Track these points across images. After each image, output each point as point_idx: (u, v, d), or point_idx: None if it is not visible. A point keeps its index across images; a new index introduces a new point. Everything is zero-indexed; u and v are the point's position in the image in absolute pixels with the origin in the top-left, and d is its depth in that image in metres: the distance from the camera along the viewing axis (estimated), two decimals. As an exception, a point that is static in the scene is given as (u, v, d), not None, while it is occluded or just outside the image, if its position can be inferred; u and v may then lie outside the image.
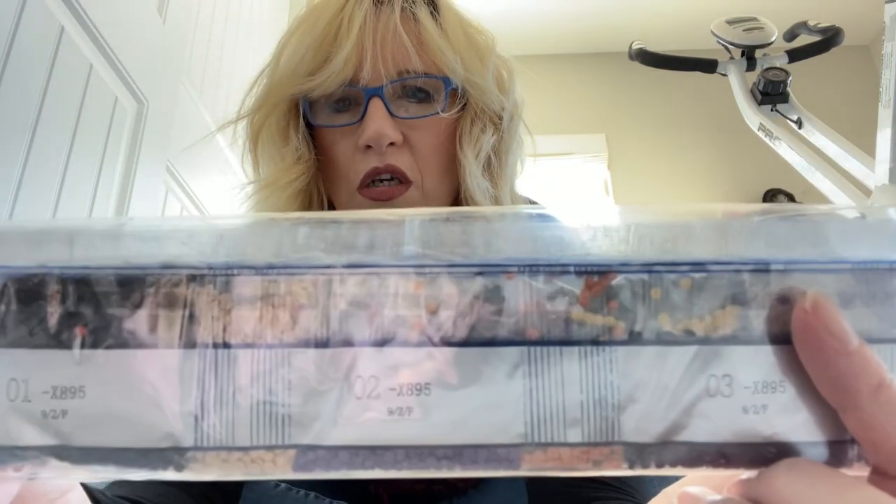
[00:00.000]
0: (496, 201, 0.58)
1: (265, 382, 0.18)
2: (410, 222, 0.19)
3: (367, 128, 0.53)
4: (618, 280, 0.18)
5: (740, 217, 0.19)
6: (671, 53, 1.51)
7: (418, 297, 0.18)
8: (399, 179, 0.55)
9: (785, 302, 0.18)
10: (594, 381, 0.18)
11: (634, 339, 0.18)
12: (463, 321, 0.18)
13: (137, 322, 0.18)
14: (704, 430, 0.18)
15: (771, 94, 1.31)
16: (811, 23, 1.41)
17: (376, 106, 0.53)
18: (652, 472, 0.18)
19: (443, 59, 0.55)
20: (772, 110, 1.32)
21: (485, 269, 0.18)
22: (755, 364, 0.18)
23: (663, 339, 0.18)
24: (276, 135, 0.58)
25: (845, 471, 0.18)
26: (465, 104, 0.58)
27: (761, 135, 1.29)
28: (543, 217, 0.19)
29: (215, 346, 0.18)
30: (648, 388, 0.18)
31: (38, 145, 0.85)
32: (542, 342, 0.18)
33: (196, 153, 1.38)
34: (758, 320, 0.18)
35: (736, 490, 0.19)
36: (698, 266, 0.18)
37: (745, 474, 0.19)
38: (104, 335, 0.18)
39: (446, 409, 0.18)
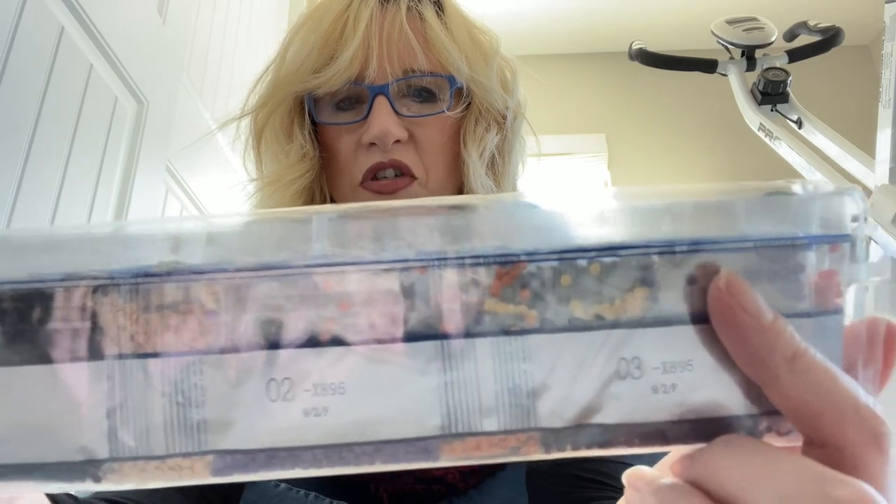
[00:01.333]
0: None
1: (177, 390, 0.18)
2: (319, 219, 0.18)
3: (373, 126, 0.53)
4: (528, 269, 0.18)
5: (647, 199, 0.19)
6: (671, 53, 1.51)
7: (329, 296, 0.18)
8: (403, 173, 0.55)
9: (692, 282, 0.19)
10: (508, 370, 0.18)
11: (546, 326, 0.18)
12: (375, 318, 0.18)
13: (43, 337, 0.18)
14: (616, 411, 0.18)
15: (771, 94, 1.31)
16: (811, 23, 1.41)
17: (381, 104, 0.53)
18: (569, 454, 0.19)
19: (448, 58, 0.55)
20: (772, 110, 1.32)
21: (395, 265, 0.18)
22: (663, 345, 0.18)
23: (575, 325, 0.18)
24: (280, 132, 0.58)
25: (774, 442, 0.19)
26: (469, 103, 0.58)
27: (761, 135, 1.29)
28: (456, 208, 0.19)
29: (123, 356, 0.18)
30: (561, 374, 0.18)
31: (38, 145, 0.85)
32: (456, 335, 0.18)
33: (196, 153, 1.38)
34: (666, 302, 0.19)
35: (677, 469, 0.19)
36: (606, 250, 0.19)
37: (684, 452, 0.19)
38: (10, 352, 0.18)
39: (362, 407, 0.18)
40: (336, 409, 0.18)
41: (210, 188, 1.47)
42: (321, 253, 0.18)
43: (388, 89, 0.54)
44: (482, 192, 0.56)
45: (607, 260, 0.18)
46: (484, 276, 0.18)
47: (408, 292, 0.18)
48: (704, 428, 0.19)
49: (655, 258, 0.19)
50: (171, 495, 0.48)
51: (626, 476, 0.20)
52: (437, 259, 0.18)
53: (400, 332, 0.18)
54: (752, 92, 1.35)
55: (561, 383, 0.18)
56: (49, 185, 0.89)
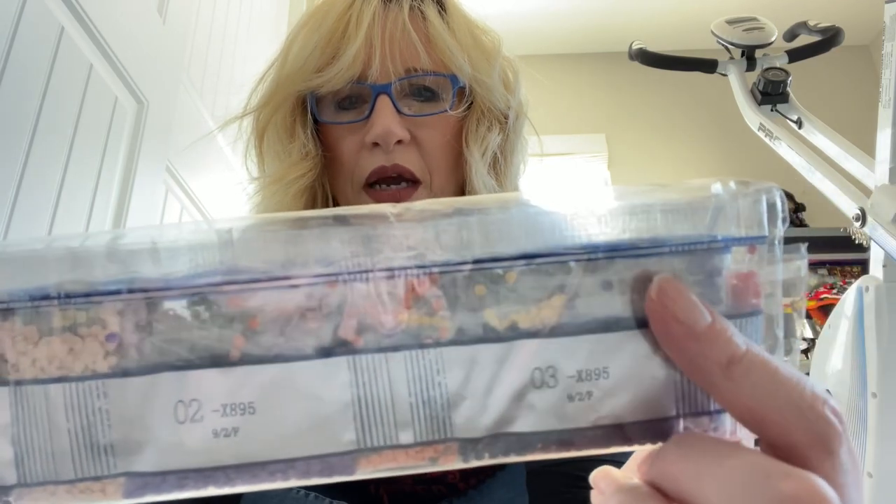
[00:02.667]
0: None
1: (82, 415, 0.17)
2: (223, 234, 0.18)
3: (375, 125, 0.53)
4: (442, 280, 0.18)
5: (567, 205, 0.19)
6: (671, 53, 1.51)
7: (234, 315, 0.18)
8: (408, 181, 0.55)
9: (609, 288, 0.18)
10: (422, 382, 0.18)
11: (460, 337, 0.18)
12: (285, 335, 0.18)
13: None
14: (531, 420, 0.18)
15: (771, 94, 1.31)
16: (811, 23, 1.41)
17: (384, 103, 0.53)
18: (486, 462, 0.19)
19: (451, 57, 0.55)
20: (772, 110, 1.32)
21: (303, 280, 0.18)
22: (579, 353, 0.18)
23: (489, 336, 0.18)
24: (282, 131, 0.58)
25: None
26: (471, 103, 0.58)
27: (761, 135, 1.29)
28: (367, 217, 0.18)
29: (21, 383, 0.17)
30: (476, 384, 0.18)
31: (38, 145, 0.85)
32: (368, 350, 0.18)
33: (196, 153, 1.38)
34: (583, 309, 0.18)
35: (640, 470, 0.19)
36: (522, 258, 0.18)
37: (646, 452, 0.19)
38: None
39: (273, 426, 0.18)
40: (246, 428, 0.18)
41: (210, 188, 1.47)
42: (228, 269, 0.17)
43: (390, 88, 0.54)
44: (484, 191, 0.56)
45: (524, 268, 0.18)
46: (396, 287, 0.18)
47: (317, 307, 0.18)
48: (623, 432, 0.19)
49: (573, 265, 0.18)
50: None
51: (593, 476, 0.20)
52: (348, 273, 0.18)
53: (311, 349, 0.18)
54: (752, 92, 1.35)
55: (476, 394, 0.18)
56: (49, 185, 0.89)
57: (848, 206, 1.04)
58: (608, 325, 0.18)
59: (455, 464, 0.18)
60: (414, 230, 0.18)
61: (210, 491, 0.18)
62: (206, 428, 0.18)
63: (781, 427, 0.17)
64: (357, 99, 0.56)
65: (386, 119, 0.53)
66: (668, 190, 0.19)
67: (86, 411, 0.17)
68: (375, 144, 0.54)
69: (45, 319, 0.17)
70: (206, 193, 1.45)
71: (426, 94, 0.56)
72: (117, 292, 0.17)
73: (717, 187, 0.19)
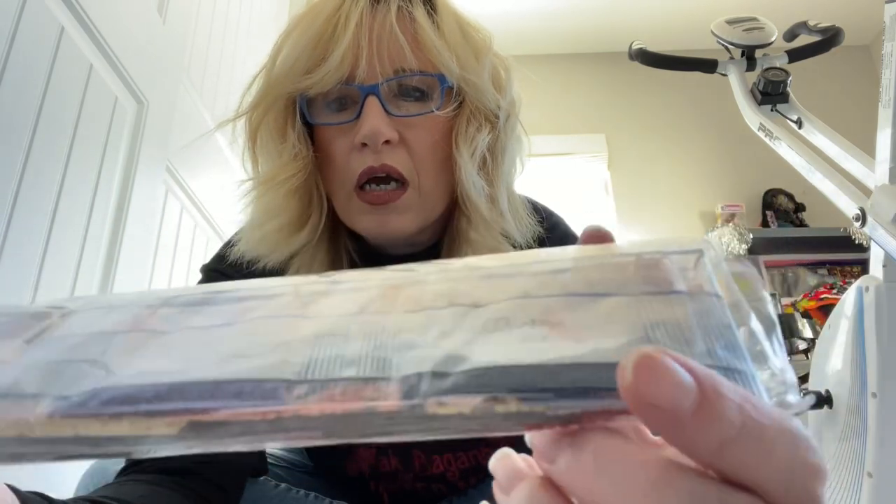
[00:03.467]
0: (492, 200, 0.58)
1: None
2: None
3: (363, 126, 0.53)
4: None
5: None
6: (671, 53, 1.51)
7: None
8: (396, 181, 0.55)
9: None
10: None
11: None
12: None
13: None
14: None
15: (771, 94, 1.31)
16: (811, 23, 1.41)
17: (372, 104, 0.54)
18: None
19: (438, 57, 0.55)
20: (772, 110, 1.32)
21: None
22: None
23: None
24: (274, 132, 0.58)
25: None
26: (461, 102, 0.58)
27: (761, 135, 1.29)
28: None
29: None
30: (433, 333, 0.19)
31: (38, 145, 0.85)
32: None
33: (196, 153, 1.38)
34: None
35: (538, 464, 0.19)
36: None
37: (540, 448, 0.18)
38: None
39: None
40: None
41: (210, 188, 1.47)
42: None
43: (378, 89, 0.54)
44: (474, 192, 0.56)
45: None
46: None
47: None
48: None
49: None
50: (165, 494, 0.48)
51: (492, 462, 0.20)
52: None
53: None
54: (752, 92, 1.35)
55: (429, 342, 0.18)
56: (49, 185, 0.89)
57: (848, 206, 1.04)
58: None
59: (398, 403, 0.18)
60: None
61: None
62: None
63: (774, 490, 0.15)
64: (346, 100, 0.56)
65: (374, 120, 0.53)
66: (617, 254, 0.20)
67: None
68: (364, 145, 0.54)
69: None
70: (206, 193, 1.46)
71: (415, 95, 0.56)
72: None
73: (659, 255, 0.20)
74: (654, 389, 0.15)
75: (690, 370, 0.15)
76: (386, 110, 0.54)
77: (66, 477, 0.77)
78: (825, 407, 1.13)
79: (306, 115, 0.57)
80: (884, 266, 1.03)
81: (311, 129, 0.59)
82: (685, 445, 0.15)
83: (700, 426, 0.15)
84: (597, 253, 0.21)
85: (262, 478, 0.62)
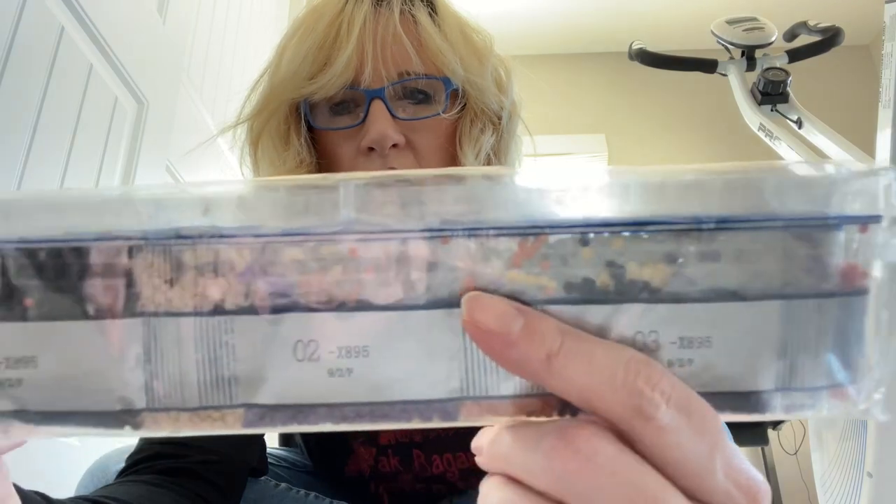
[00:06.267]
0: None
1: (209, 348, 0.19)
2: (345, 186, 0.19)
3: (370, 130, 0.53)
4: (550, 241, 0.19)
5: (675, 175, 0.19)
6: (671, 53, 1.51)
7: (356, 262, 0.19)
8: None
9: (716, 258, 0.19)
10: None
11: (566, 297, 0.19)
12: (399, 284, 0.19)
13: (80, 293, 0.19)
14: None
15: (771, 94, 1.31)
16: (811, 23, 1.41)
17: (378, 108, 0.53)
18: None
19: (443, 59, 0.55)
20: (772, 110, 1.32)
21: (419, 234, 0.19)
22: (683, 320, 0.19)
23: (595, 297, 0.19)
24: (276, 139, 0.58)
25: None
26: (464, 105, 0.58)
27: (761, 135, 1.29)
28: (486, 178, 0.19)
29: (157, 314, 0.19)
30: None
31: (38, 145, 0.85)
32: None
33: (196, 153, 1.38)
34: (690, 277, 0.18)
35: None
36: (632, 225, 0.19)
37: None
38: (49, 307, 0.19)
39: (385, 369, 0.19)
40: (359, 370, 0.19)
41: (210, 188, 1.47)
42: (347, 219, 0.19)
43: (383, 93, 0.54)
44: None
45: (632, 234, 0.18)
46: (506, 246, 0.19)
47: (431, 260, 0.19)
48: (718, 401, 0.19)
49: (683, 234, 0.18)
50: (164, 495, 0.48)
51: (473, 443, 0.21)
52: (461, 229, 0.19)
53: (423, 299, 0.19)
54: (752, 92, 1.35)
55: None
56: (49, 184, 0.89)
57: (848, 206, 1.04)
58: (714, 296, 0.19)
59: (553, 417, 0.19)
60: (523, 192, 0.19)
61: (319, 427, 0.19)
62: (322, 367, 0.19)
63: (605, 405, 0.17)
64: (350, 104, 0.56)
65: (381, 124, 0.53)
66: (779, 168, 0.19)
67: (214, 345, 0.19)
68: (371, 149, 0.54)
69: (179, 257, 0.19)
70: (206, 193, 1.45)
71: (419, 97, 0.56)
72: (248, 236, 0.19)
73: (830, 167, 0.19)
74: (485, 319, 0.18)
75: (513, 304, 0.18)
76: (392, 114, 0.54)
77: (66, 477, 0.77)
78: (825, 407, 1.13)
79: (310, 120, 0.57)
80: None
81: (312, 134, 0.59)
82: (519, 362, 0.18)
83: (528, 342, 0.18)
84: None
85: (262, 478, 0.62)
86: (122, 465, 0.52)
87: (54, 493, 0.39)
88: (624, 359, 0.18)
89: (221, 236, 0.19)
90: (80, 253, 0.19)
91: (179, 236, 0.19)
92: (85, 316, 0.19)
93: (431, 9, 0.58)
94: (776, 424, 1.45)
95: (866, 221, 0.19)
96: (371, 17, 0.55)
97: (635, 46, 1.52)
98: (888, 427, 0.97)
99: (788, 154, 1.20)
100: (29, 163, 0.84)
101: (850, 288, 0.19)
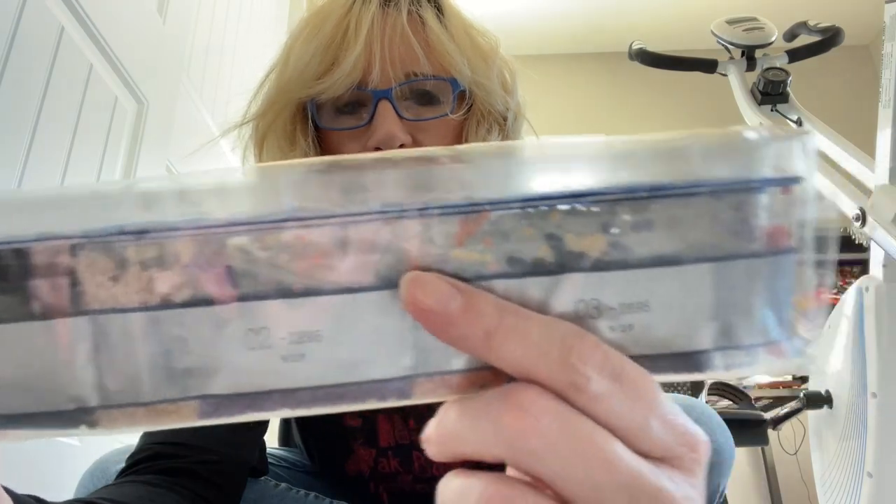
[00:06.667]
0: None
1: (160, 342, 0.19)
2: (286, 174, 0.19)
3: (378, 130, 0.53)
4: (492, 217, 0.19)
5: (608, 147, 0.19)
6: (671, 53, 1.51)
7: (301, 248, 0.19)
8: None
9: (649, 226, 0.19)
10: None
11: (509, 271, 0.19)
12: (345, 267, 0.19)
13: (25, 294, 0.19)
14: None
15: (771, 94, 1.31)
16: (811, 23, 1.41)
17: (385, 108, 0.53)
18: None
19: (450, 61, 0.55)
20: (772, 110, 1.32)
21: (362, 217, 0.19)
22: (621, 287, 0.19)
23: (537, 270, 0.19)
24: (282, 139, 0.58)
25: None
26: (470, 106, 0.58)
27: (761, 135, 1.29)
28: (422, 159, 0.19)
29: (103, 311, 0.19)
30: None
31: (38, 145, 0.85)
32: None
33: (197, 153, 1.38)
34: (626, 245, 0.19)
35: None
36: (568, 197, 0.19)
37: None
38: None
39: (337, 352, 0.19)
40: (313, 354, 0.19)
41: (210, 188, 1.47)
42: (290, 207, 0.19)
43: (391, 93, 0.54)
44: None
45: (568, 206, 0.19)
46: (449, 225, 0.19)
47: (376, 243, 0.19)
48: (658, 364, 0.20)
49: (616, 204, 0.19)
50: (163, 495, 0.48)
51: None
52: (402, 210, 0.19)
53: (370, 282, 0.19)
54: (752, 92, 1.35)
55: None
56: (49, 184, 0.89)
57: (848, 206, 1.04)
58: (650, 262, 0.19)
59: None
60: (466, 171, 0.19)
61: (277, 413, 0.19)
62: (275, 354, 0.19)
63: (541, 378, 0.18)
64: (357, 104, 0.56)
65: (388, 124, 0.53)
66: (704, 136, 0.20)
67: (165, 338, 0.19)
68: (377, 149, 0.54)
69: (122, 253, 0.19)
70: (206, 193, 1.45)
71: (426, 98, 0.56)
72: (189, 228, 0.19)
73: (751, 132, 0.20)
74: (425, 298, 0.18)
75: (452, 283, 0.19)
76: (399, 114, 0.54)
77: (66, 477, 0.77)
78: (825, 407, 1.13)
79: (316, 119, 0.57)
80: (884, 266, 1.03)
81: (318, 133, 0.59)
82: (460, 339, 0.18)
83: (467, 320, 0.18)
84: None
85: (262, 478, 0.62)
86: (122, 465, 0.52)
87: (55, 494, 0.39)
88: (558, 335, 0.18)
89: (164, 230, 0.19)
90: (21, 254, 0.18)
91: (122, 232, 0.18)
92: (31, 317, 0.18)
93: (438, 10, 0.58)
94: (776, 424, 1.45)
95: (787, 183, 0.19)
96: (379, 17, 0.55)
97: (635, 46, 1.52)
98: (888, 427, 0.97)
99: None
100: (29, 163, 0.84)
101: (777, 248, 0.19)
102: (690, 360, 0.20)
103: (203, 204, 0.19)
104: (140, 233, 0.19)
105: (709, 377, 0.20)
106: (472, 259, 0.19)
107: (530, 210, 0.19)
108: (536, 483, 0.18)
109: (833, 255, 0.20)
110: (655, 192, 0.19)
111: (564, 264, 0.19)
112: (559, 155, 0.19)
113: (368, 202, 0.19)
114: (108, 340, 0.19)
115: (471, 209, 0.19)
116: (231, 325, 0.19)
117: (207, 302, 0.19)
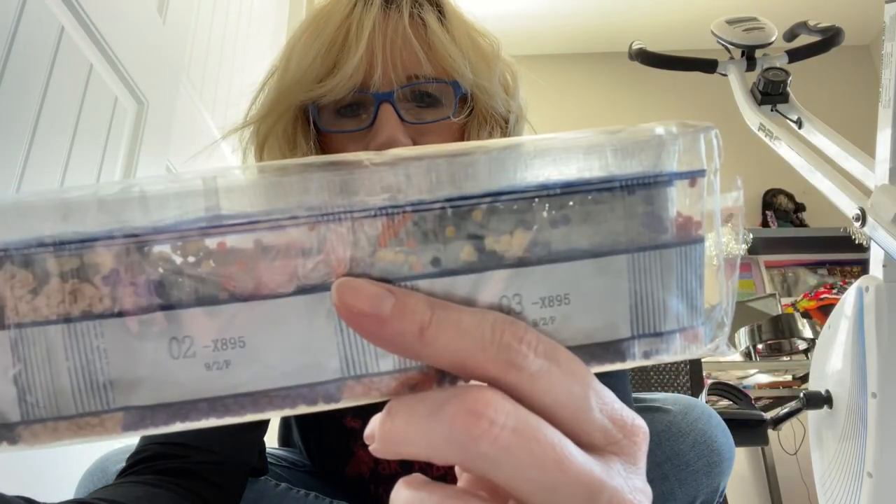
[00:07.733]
0: None
1: (80, 354, 0.18)
2: (208, 181, 0.19)
3: (379, 133, 0.53)
4: (414, 218, 0.19)
5: (524, 146, 0.20)
6: (671, 53, 1.51)
7: (224, 255, 0.19)
8: None
9: (566, 221, 0.20)
10: None
11: (433, 270, 0.19)
12: (268, 273, 0.19)
13: None
14: None
15: (771, 94, 1.31)
16: (811, 23, 1.41)
17: (387, 111, 0.53)
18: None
19: (452, 63, 0.55)
20: (772, 110, 1.32)
21: (286, 223, 0.19)
22: (542, 282, 0.20)
23: (461, 268, 0.20)
24: (283, 141, 0.58)
25: None
26: (472, 108, 0.58)
27: (761, 135, 1.29)
28: (343, 164, 0.19)
29: (23, 325, 0.18)
30: None
31: (38, 145, 0.85)
32: None
33: (198, 156, 1.38)
34: (545, 241, 0.20)
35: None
36: (488, 196, 0.19)
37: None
38: None
39: (262, 358, 0.19)
40: (237, 361, 0.19)
41: (210, 188, 1.47)
42: (213, 214, 0.19)
43: (393, 96, 0.54)
44: None
45: (489, 205, 0.19)
46: (371, 227, 0.19)
47: (299, 247, 0.19)
48: (582, 355, 0.20)
49: (534, 202, 0.19)
50: (163, 495, 0.48)
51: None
52: (325, 214, 0.19)
53: (294, 286, 0.19)
54: (752, 92, 1.35)
55: None
56: (49, 184, 0.89)
57: (848, 206, 1.04)
58: (569, 256, 0.20)
59: (433, 388, 0.20)
60: (387, 174, 0.19)
61: (202, 423, 0.19)
62: (199, 362, 0.19)
63: (478, 364, 0.18)
64: (359, 107, 0.56)
65: (390, 127, 0.53)
66: (618, 133, 0.20)
67: (85, 350, 0.18)
68: None
69: (41, 265, 0.18)
70: (206, 193, 1.45)
71: (427, 101, 0.56)
72: (109, 238, 0.18)
73: (659, 129, 0.20)
74: (356, 302, 0.18)
75: (382, 286, 0.19)
76: (400, 117, 0.54)
77: (66, 477, 0.77)
78: (825, 407, 1.13)
79: (317, 122, 0.57)
80: (884, 266, 1.03)
81: (319, 136, 0.59)
82: (393, 338, 0.18)
83: (399, 318, 0.18)
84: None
85: (262, 478, 0.62)
86: (122, 465, 0.52)
87: (55, 494, 0.39)
88: (490, 321, 0.19)
89: (83, 241, 0.18)
90: None
91: (41, 244, 0.18)
92: None
93: (440, 12, 0.58)
94: (776, 424, 1.45)
95: (694, 176, 0.20)
96: (380, 19, 0.55)
97: (635, 46, 1.52)
98: (888, 427, 0.97)
99: (789, 154, 1.20)
100: (29, 163, 0.84)
101: (687, 238, 0.20)
102: (610, 349, 0.20)
103: (123, 213, 0.18)
104: (59, 244, 0.18)
105: (629, 365, 0.21)
106: (397, 260, 0.19)
107: (451, 210, 0.19)
108: (488, 486, 0.18)
109: (742, 242, 0.21)
110: (570, 189, 0.20)
111: (486, 262, 0.19)
112: (478, 157, 0.20)
113: (291, 208, 0.19)
114: (29, 354, 0.18)
115: (392, 211, 0.19)
116: (153, 334, 0.19)
117: (129, 312, 0.18)
